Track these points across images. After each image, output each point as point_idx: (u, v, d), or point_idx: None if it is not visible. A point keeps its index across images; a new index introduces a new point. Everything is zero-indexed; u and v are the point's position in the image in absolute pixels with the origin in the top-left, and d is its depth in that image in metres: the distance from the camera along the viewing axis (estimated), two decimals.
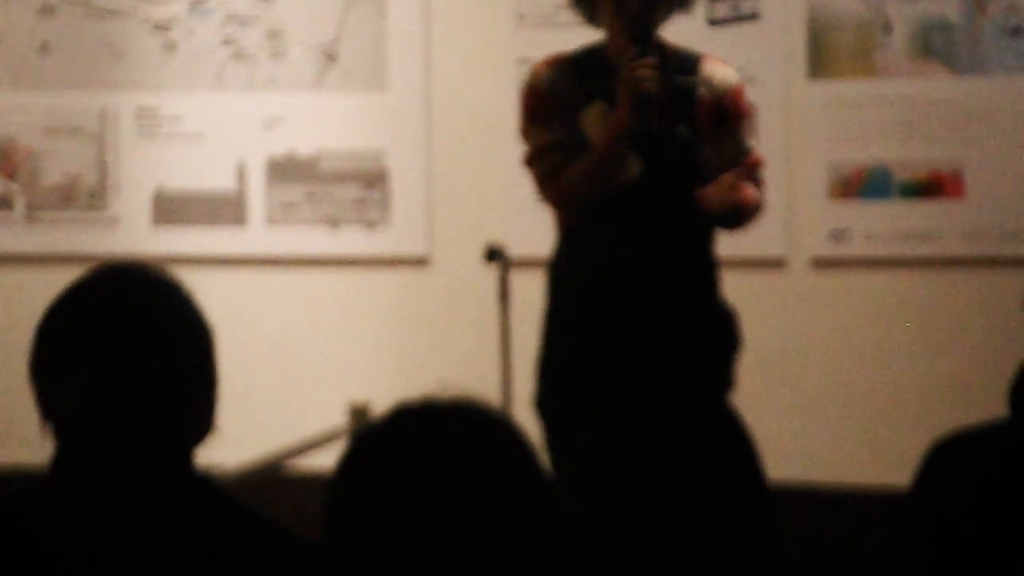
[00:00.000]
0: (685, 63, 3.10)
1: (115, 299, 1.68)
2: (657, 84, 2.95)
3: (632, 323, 3.04)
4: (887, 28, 3.96)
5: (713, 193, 2.97)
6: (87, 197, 4.39)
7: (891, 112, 3.98)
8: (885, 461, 3.90)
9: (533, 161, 3.09)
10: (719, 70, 3.14)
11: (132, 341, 1.65)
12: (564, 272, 3.11)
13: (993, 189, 3.93)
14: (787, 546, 1.53)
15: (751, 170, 3.16)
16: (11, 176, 4.42)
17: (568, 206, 3.06)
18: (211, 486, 1.68)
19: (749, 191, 3.10)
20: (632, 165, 3.01)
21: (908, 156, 3.98)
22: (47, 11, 4.38)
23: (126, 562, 1.12)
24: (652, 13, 3.00)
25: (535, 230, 3.69)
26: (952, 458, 1.59)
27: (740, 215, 3.07)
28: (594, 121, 3.03)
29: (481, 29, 4.18)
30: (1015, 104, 3.92)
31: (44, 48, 4.38)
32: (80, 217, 4.39)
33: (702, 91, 3.07)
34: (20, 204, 4.42)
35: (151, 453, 1.65)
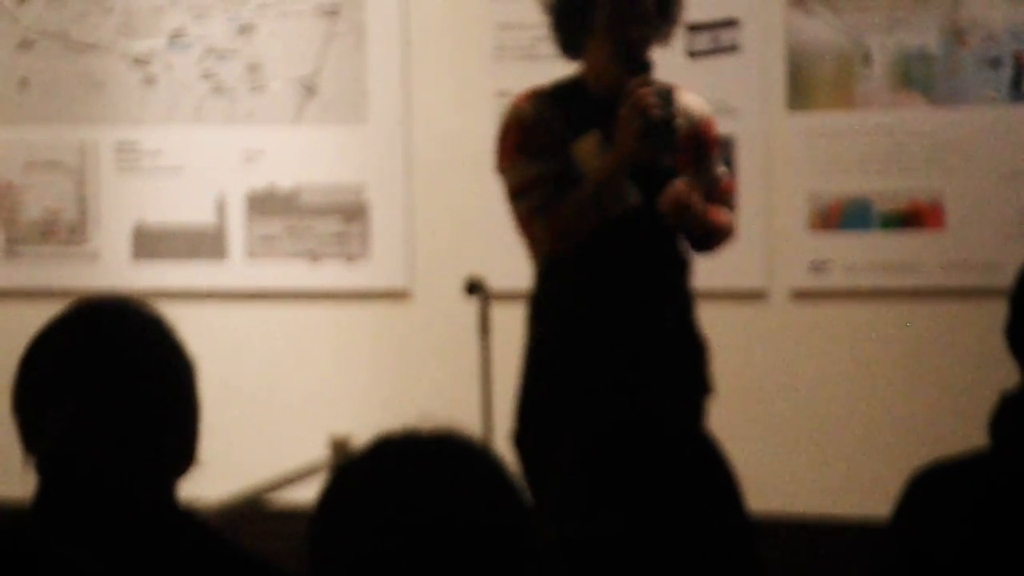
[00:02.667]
0: (663, 93, 3.11)
1: (97, 333, 1.68)
2: (663, 111, 2.96)
3: (614, 357, 3.04)
4: (867, 59, 3.99)
5: (669, 198, 2.98)
6: (67, 232, 4.38)
7: (871, 143, 4.00)
8: (865, 492, 3.90)
9: (521, 195, 3.05)
10: (694, 100, 3.16)
11: (114, 375, 1.65)
12: (544, 305, 3.10)
13: (973, 220, 3.95)
14: None
15: (724, 195, 3.17)
16: None
17: (561, 238, 3.03)
18: (194, 519, 1.67)
19: (721, 214, 3.11)
20: (631, 194, 3.01)
21: (888, 187, 4.00)
22: (26, 46, 4.38)
23: None
24: (648, 43, 3.02)
25: (515, 263, 3.69)
26: (932, 489, 1.59)
27: (711, 235, 3.08)
28: (588, 152, 3.02)
29: (460, 62, 4.19)
30: (995, 135, 3.94)
31: (23, 83, 4.38)
32: (60, 252, 4.38)
33: (680, 121, 3.08)
34: (0, 239, 4.41)
35: (133, 486, 1.64)
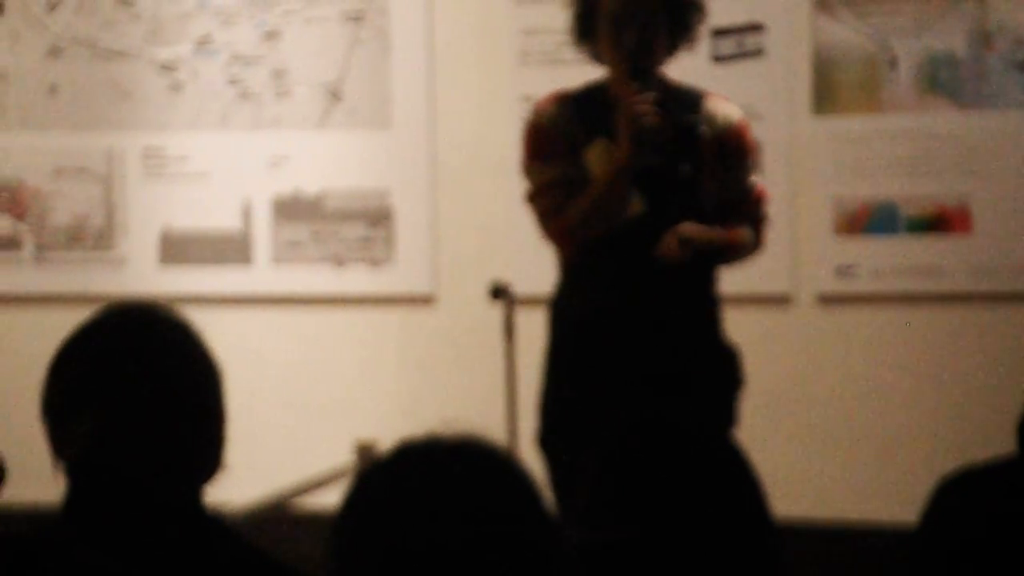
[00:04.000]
0: (688, 100, 3.11)
1: (125, 339, 1.69)
2: (656, 119, 2.96)
3: (634, 360, 3.04)
4: (893, 63, 3.97)
5: (664, 243, 2.98)
6: (95, 237, 4.40)
7: (897, 147, 3.99)
8: (892, 498, 3.88)
9: (535, 198, 3.10)
10: (721, 107, 3.15)
11: (142, 380, 1.66)
12: (565, 309, 3.11)
13: (1000, 224, 3.93)
14: None
15: (755, 206, 3.16)
16: (20, 217, 4.44)
17: (569, 243, 3.06)
18: (220, 524, 1.68)
19: (739, 233, 3.10)
20: (633, 202, 3.01)
21: (915, 191, 3.98)
22: (55, 53, 4.41)
23: None
24: (651, 48, 3.01)
25: (540, 267, 3.69)
26: (960, 495, 1.59)
27: (726, 257, 3.08)
28: (597, 157, 3.04)
29: (485, 67, 4.20)
30: (1022, 139, 3.92)
31: (52, 89, 4.41)
32: (88, 257, 4.41)
33: (704, 128, 3.08)
34: (29, 245, 4.43)
35: (161, 491, 1.65)
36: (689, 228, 3.00)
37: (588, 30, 3.05)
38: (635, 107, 2.95)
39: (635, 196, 3.01)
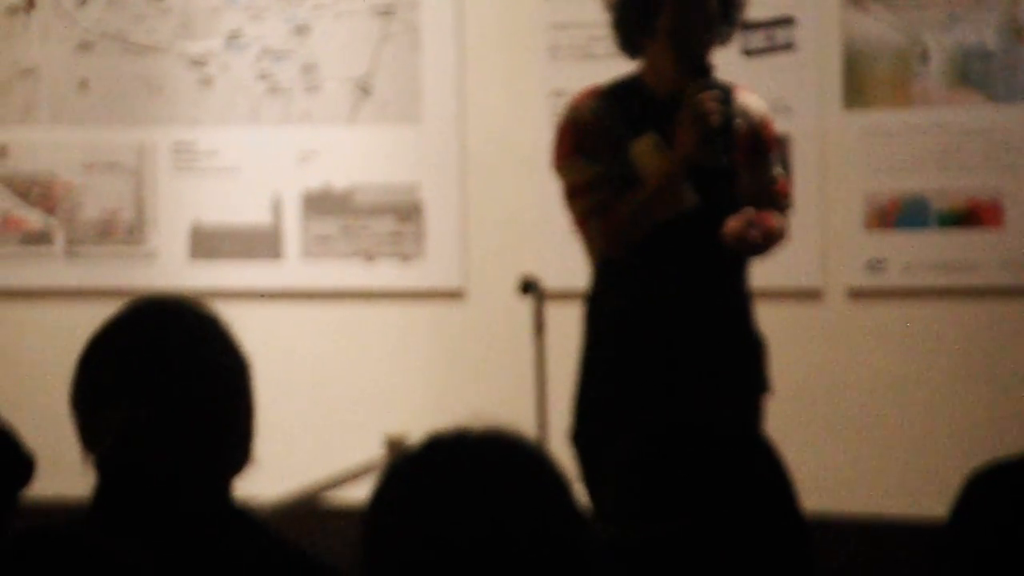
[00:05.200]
0: (724, 93, 3.10)
1: (155, 332, 1.69)
2: (721, 118, 2.96)
3: (671, 357, 3.03)
4: (924, 57, 3.95)
5: (734, 227, 2.97)
6: (125, 232, 4.42)
7: (928, 141, 3.97)
8: (922, 492, 3.86)
9: (577, 196, 3.05)
10: (752, 100, 3.14)
11: (171, 374, 1.66)
12: (603, 306, 3.09)
13: None
14: None
15: (779, 197, 3.16)
16: (51, 211, 4.46)
17: (617, 240, 3.02)
18: (249, 517, 1.68)
19: (773, 219, 3.09)
20: (688, 196, 3.00)
21: (946, 185, 3.96)
22: (85, 47, 4.43)
23: None
24: (710, 47, 3.01)
25: (569, 262, 3.69)
26: (991, 489, 1.58)
27: (764, 246, 3.07)
28: (646, 153, 3.01)
29: (515, 62, 4.19)
30: None
31: (83, 84, 4.43)
32: (118, 251, 4.43)
33: (739, 122, 3.07)
34: (60, 239, 4.46)
35: (190, 485, 1.65)
36: (750, 213, 2.99)
37: (641, 23, 3.02)
38: (704, 105, 2.94)
39: (689, 189, 3.00)
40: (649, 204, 2.98)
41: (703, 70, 2.99)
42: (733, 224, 2.97)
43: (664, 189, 2.98)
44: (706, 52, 3.01)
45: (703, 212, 3.01)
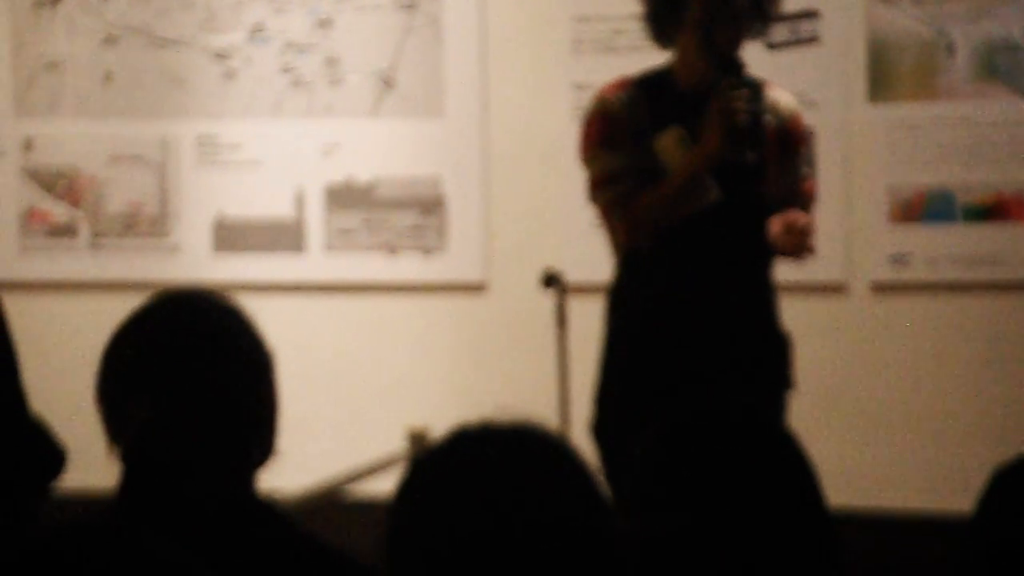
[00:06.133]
0: (751, 94, 3.08)
1: (179, 325, 1.70)
2: (749, 116, 2.95)
3: (693, 350, 3.03)
4: (950, 50, 3.93)
5: (782, 235, 2.95)
6: (149, 224, 4.44)
7: (954, 135, 3.95)
8: (947, 487, 3.85)
9: (601, 187, 3.05)
10: (782, 96, 3.13)
11: (195, 367, 1.67)
12: (626, 299, 3.09)
13: None
14: (848, 573, 1.51)
15: (805, 196, 3.15)
16: (76, 204, 4.48)
17: (639, 232, 3.02)
18: (273, 510, 1.69)
19: (806, 218, 3.08)
20: (711, 191, 2.99)
21: (971, 179, 3.94)
22: (110, 41, 4.44)
23: None
24: (739, 43, 3.00)
25: (592, 255, 3.68)
26: (1017, 483, 1.57)
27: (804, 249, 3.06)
28: (671, 147, 3.01)
29: (538, 55, 4.19)
30: None
31: (108, 77, 4.44)
32: (142, 244, 4.44)
33: (768, 118, 3.06)
34: (84, 232, 4.47)
35: (214, 477, 1.66)
36: (794, 215, 2.96)
37: (670, 15, 3.01)
38: (732, 103, 2.93)
39: (713, 184, 2.99)
40: (671, 198, 2.97)
41: (733, 66, 2.97)
42: (789, 226, 2.93)
43: (687, 184, 2.97)
44: (734, 47, 2.99)
45: (728, 208, 3.01)
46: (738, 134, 2.94)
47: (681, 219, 2.99)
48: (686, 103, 3.00)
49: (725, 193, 3.00)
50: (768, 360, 3.09)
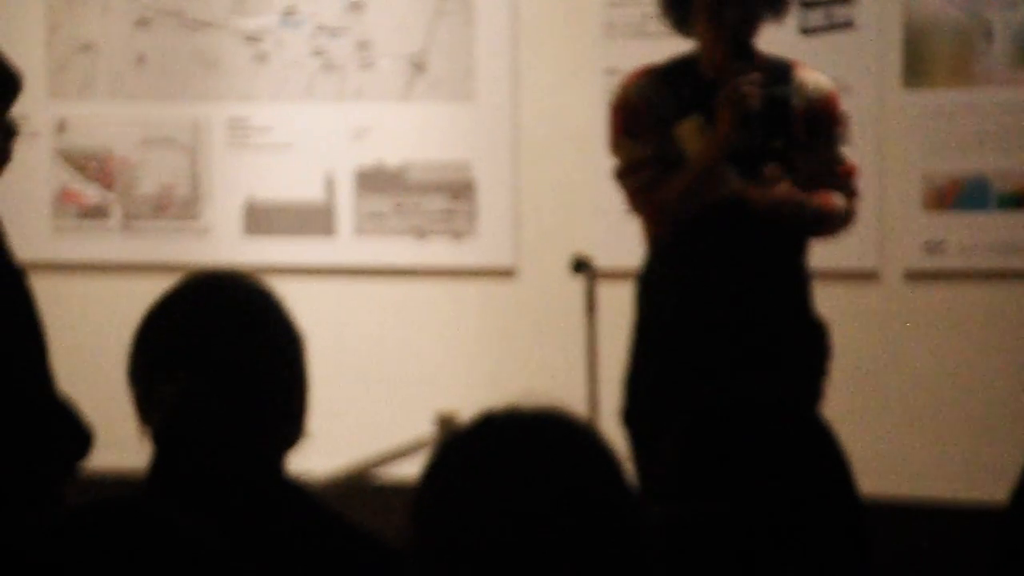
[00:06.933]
0: (778, 72, 3.07)
1: (211, 306, 1.70)
2: (760, 101, 2.93)
3: (723, 336, 3.01)
4: (987, 35, 3.89)
5: (759, 192, 2.94)
6: (180, 207, 4.45)
7: (990, 121, 3.91)
8: (982, 475, 3.83)
9: (625, 175, 3.06)
10: (811, 77, 3.10)
11: (226, 349, 1.67)
12: (655, 285, 3.08)
13: None
14: (880, 562, 1.50)
15: (844, 179, 3.12)
16: (108, 186, 4.50)
17: (662, 221, 3.03)
18: (302, 492, 1.69)
19: (832, 199, 3.06)
20: (731, 179, 2.98)
21: (1007, 166, 3.90)
22: (143, 23, 4.45)
23: (220, 565, 1.12)
24: (750, 27, 2.98)
25: (622, 241, 3.67)
26: None
27: (820, 223, 3.03)
28: (690, 135, 3.00)
29: (569, 39, 4.17)
30: None
31: (140, 60, 4.45)
32: (173, 226, 4.45)
33: (796, 100, 3.04)
34: (116, 214, 4.49)
35: (244, 458, 1.66)
36: (783, 188, 2.95)
37: (681, 3, 3.01)
38: (741, 88, 2.91)
39: (731, 172, 2.98)
40: (691, 186, 2.96)
41: (743, 50, 2.95)
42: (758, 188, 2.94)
43: (703, 172, 2.96)
44: (744, 31, 2.97)
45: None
46: (750, 119, 2.92)
47: (701, 207, 2.98)
48: (709, 90, 2.99)
49: (751, 179, 2.98)
50: (800, 347, 3.07)
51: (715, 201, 2.98)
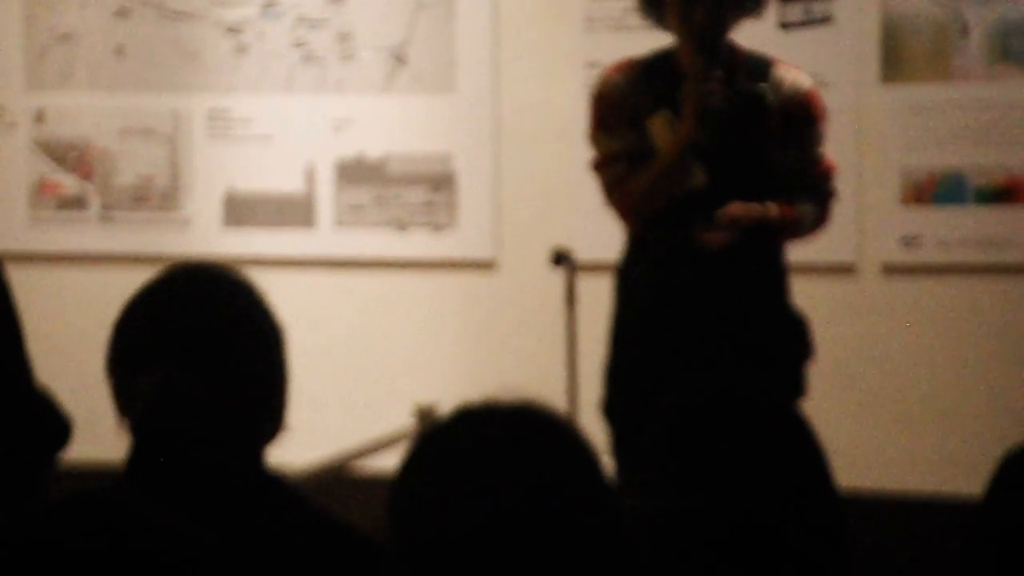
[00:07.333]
0: (756, 68, 3.07)
1: (191, 298, 1.70)
2: (722, 99, 2.93)
3: (700, 329, 3.02)
4: (964, 31, 3.91)
5: (704, 233, 2.96)
6: (160, 198, 4.44)
7: (967, 116, 3.93)
8: (957, 470, 3.85)
9: (601, 168, 3.09)
10: (790, 75, 3.11)
11: (206, 340, 1.67)
12: (632, 277, 3.10)
13: None
14: (857, 555, 1.51)
15: (820, 179, 3.13)
16: (86, 177, 4.48)
17: (632, 215, 3.04)
18: (281, 484, 1.69)
19: (801, 207, 3.06)
20: (696, 176, 2.99)
21: (984, 161, 3.93)
22: (123, 14, 4.43)
23: (199, 558, 1.13)
24: (719, 23, 2.98)
25: (602, 234, 3.68)
26: None
27: (785, 232, 3.04)
28: (659, 129, 3.02)
29: (550, 33, 4.17)
30: None
31: (119, 50, 4.44)
32: (153, 218, 4.44)
33: (772, 98, 3.04)
34: (95, 204, 4.48)
35: (223, 450, 1.66)
36: (735, 209, 2.96)
37: (655, 2, 3.02)
38: (702, 86, 2.92)
39: (698, 169, 2.99)
40: (655, 181, 2.98)
41: (707, 48, 2.96)
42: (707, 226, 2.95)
43: (670, 167, 2.97)
44: (713, 28, 2.97)
45: (728, 189, 3.00)
46: (710, 116, 2.93)
47: (668, 202, 2.99)
48: (681, 85, 2.99)
49: (723, 175, 2.99)
50: (778, 340, 3.08)
51: (690, 195, 2.99)
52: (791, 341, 3.10)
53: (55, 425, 2.18)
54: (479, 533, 1.19)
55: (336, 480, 3.92)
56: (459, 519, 1.20)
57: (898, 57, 3.96)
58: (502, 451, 1.23)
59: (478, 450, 1.23)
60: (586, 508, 1.22)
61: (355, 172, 4.33)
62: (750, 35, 3.14)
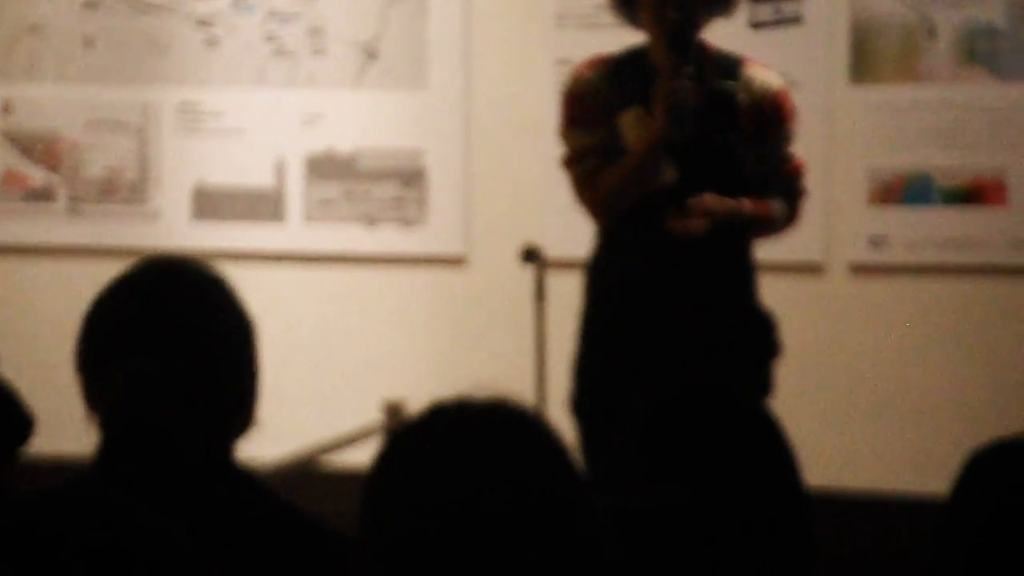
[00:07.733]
0: (726, 67, 3.09)
1: (161, 292, 1.69)
2: (693, 96, 2.94)
3: (669, 326, 3.04)
4: (931, 33, 3.94)
5: (676, 221, 2.97)
6: (128, 191, 4.42)
7: (934, 118, 3.96)
8: (923, 469, 3.88)
9: (571, 164, 3.09)
10: (760, 74, 3.12)
11: (176, 334, 1.66)
12: (602, 273, 3.10)
13: None
14: (824, 554, 1.52)
15: (790, 177, 3.14)
16: (54, 168, 4.46)
17: (603, 210, 3.05)
18: (251, 478, 1.69)
19: (771, 204, 3.08)
20: (667, 172, 3.00)
21: (950, 163, 3.95)
22: (92, 5, 4.41)
23: (167, 552, 1.13)
24: (691, 22, 2.99)
25: (572, 231, 3.68)
26: (992, 468, 1.58)
27: (756, 228, 3.06)
28: (630, 126, 3.03)
29: (521, 29, 4.18)
30: None
31: (88, 42, 4.41)
32: (121, 210, 4.42)
33: (742, 96, 3.06)
34: (62, 196, 4.45)
35: (193, 445, 1.66)
36: (708, 200, 2.98)
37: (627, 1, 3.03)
38: (672, 83, 2.93)
39: (669, 165, 3.00)
40: (625, 177, 2.99)
41: (679, 46, 2.97)
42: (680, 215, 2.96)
43: (640, 164, 2.98)
44: (687, 27, 2.98)
45: (698, 187, 3.01)
46: (681, 113, 2.94)
47: (638, 198, 3.00)
48: (653, 82, 3.00)
49: (692, 172, 3.00)
50: (746, 337, 3.10)
51: (658, 191, 3.00)
52: (758, 339, 3.12)
53: (17, 419, 2.17)
54: (453, 529, 1.20)
55: (304, 475, 3.91)
56: (433, 515, 1.20)
57: (867, 58, 3.98)
58: (476, 448, 1.23)
59: (452, 447, 1.23)
60: (559, 505, 1.22)
61: (325, 167, 4.32)
62: (721, 34, 3.15)
